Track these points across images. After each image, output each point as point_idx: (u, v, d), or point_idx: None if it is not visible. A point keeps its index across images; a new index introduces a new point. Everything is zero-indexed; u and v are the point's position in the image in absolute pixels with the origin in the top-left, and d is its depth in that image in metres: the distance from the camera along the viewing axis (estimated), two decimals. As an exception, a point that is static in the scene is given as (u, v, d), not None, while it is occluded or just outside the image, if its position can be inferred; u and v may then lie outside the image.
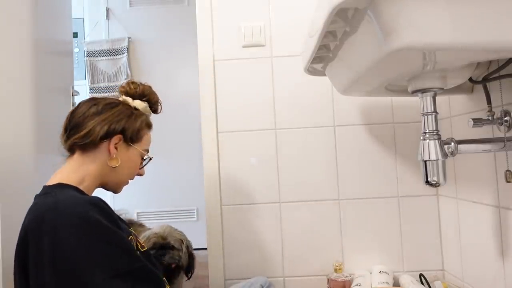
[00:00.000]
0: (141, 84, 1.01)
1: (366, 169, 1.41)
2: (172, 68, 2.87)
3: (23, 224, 0.80)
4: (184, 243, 1.31)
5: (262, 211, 1.42)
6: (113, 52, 2.88)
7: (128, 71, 2.85)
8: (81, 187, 0.86)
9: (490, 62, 0.97)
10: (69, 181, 0.85)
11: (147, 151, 0.99)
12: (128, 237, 0.84)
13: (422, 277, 1.29)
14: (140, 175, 1.01)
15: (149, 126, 1.00)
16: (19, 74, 1.37)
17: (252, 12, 1.46)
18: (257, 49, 1.45)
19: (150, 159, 1.00)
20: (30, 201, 0.84)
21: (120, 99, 0.98)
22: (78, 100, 1.86)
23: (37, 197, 0.84)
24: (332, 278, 1.31)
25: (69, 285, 0.73)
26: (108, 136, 0.89)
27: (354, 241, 1.40)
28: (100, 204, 0.80)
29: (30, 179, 1.33)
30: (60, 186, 0.84)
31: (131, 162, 0.95)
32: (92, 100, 0.93)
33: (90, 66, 2.88)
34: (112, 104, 0.93)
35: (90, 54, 2.89)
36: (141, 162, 0.99)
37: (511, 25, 0.59)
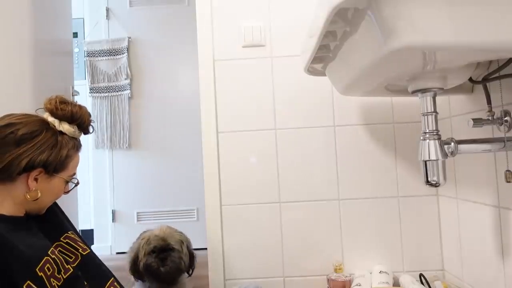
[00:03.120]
0: (71, 104, 0.89)
1: (366, 169, 1.41)
2: (172, 68, 2.87)
3: None
4: (185, 243, 1.31)
5: (262, 211, 1.42)
6: (113, 52, 2.88)
7: (128, 71, 2.84)
8: (2, 212, 0.80)
9: (490, 62, 0.97)
10: None
11: (74, 173, 0.91)
12: (41, 261, 0.78)
13: (422, 277, 1.29)
14: (66, 193, 0.93)
15: (77, 149, 0.90)
16: (19, 74, 1.37)
17: (252, 12, 1.46)
18: (257, 49, 1.45)
19: (76, 184, 0.93)
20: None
21: (46, 119, 0.87)
22: (78, 100, 1.86)
23: None
24: (332, 278, 1.31)
25: None
26: (26, 170, 0.80)
27: (354, 241, 1.40)
28: None
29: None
30: None
31: (53, 191, 0.88)
32: (9, 125, 0.81)
33: (90, 66, 2.88)
34: (33, 132, 0.82)
35: (90, 54, 2.89)
36: (67, 186, 0.91)
37: (511, 25, 0.59)
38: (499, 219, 1.03)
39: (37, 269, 0.77)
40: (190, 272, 1.33)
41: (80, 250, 0.92)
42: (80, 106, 0.90)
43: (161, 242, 1.26)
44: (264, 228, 1.42)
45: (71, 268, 0.86)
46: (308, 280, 1.40)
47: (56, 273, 0.81)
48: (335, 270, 1.33)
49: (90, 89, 2.85)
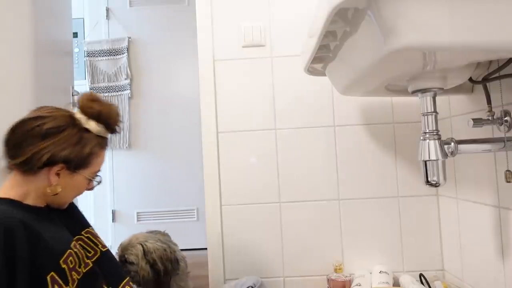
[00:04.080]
0: (101, 103, 0.89)
1: (366, 169, 1.41)
2: (172, 68, 2.87)
3: None
4: (149, 255, 1.26)
5: (262, 211, 1.42)
6: (113, 52, 2.88)
7: (128, 71, 2.84)
8: (26, 201, 0.81)
9: (490, 62, 0.97)
10: (10, 195, 0.80)
11: (98, 171, 0.90)
12: (64, 253, 0.79)
13: (422, 277, 1.29)
14: (89, 190, 0.92)
15: (102, 147, 0.90)
16: (19, 74, 1.37)
17: (252, 12, 1.46)
18: (257, 49, 1.45)
19: (99, 183, 0.92)
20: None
21: (74, 115, 0.87)
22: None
23: None
24: (332, 278, 1.31)
25: None
26: (48, 165, 0.81)
27: (354, 241, 1.40)
28: (11, 228, 0.72)
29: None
30: None
31: (75, 187, 0.88)
32: (38, 118, 0.82)
33: (90, 66, 2.88)
34: (58, 128, 0.82)
35: (90, 54, 2.89)
36: (90, 182, 0.91)
37: (511, 25, 0.59)
38: (499, 219, 1.03)
39: (61, 261, 0.78)
40: (169, 278, 1.31)
41: (99, 246, 0.93)
42: (110, 106, 0.90)
43: (120, 253, 1.28)
44: (264, 228, 1.42)
45: (90, 263, 0.87)
46: (308, 280, 1.40)
47: (77, 267, 0.82)
48: (335, 270, 1.33)
49: (90, 89, 2.85)
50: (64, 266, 0.78)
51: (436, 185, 0.84)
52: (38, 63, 1.49)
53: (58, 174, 0.83)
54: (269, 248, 1.41)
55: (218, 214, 1.42)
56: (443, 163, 0.84)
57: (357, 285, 1.26)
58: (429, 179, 0.84)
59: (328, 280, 1.32)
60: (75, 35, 2.90)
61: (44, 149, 0.80)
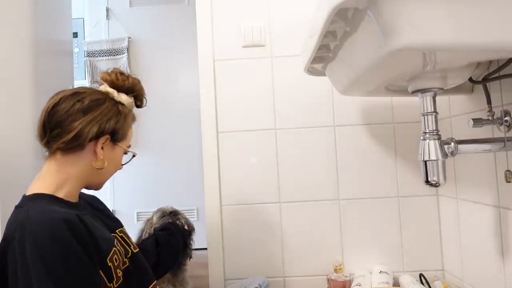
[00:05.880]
0: (130, 76, 0.90)
1: (366, 169, 1.41)
2: (172, 68, 2.87)
3: (3, 234, 0.75)
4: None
5: (262, 211, 1.42)
6: (113, 52, 2.88)
7: (128, 71, 2.84)
8: (60, 195, 0.79)
9: (490, 62, 0.97)
10: (46, 190, 0.78)
11: (130, 146, 0.93)
12: (110, 251, 0.80)
13: (422, 277, 1.29)
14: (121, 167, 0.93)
15: (134, 119, 0.92)
16: (19, 74, 1.37)
17: (252, 12, 1.46)
18: (257, 49, 1.45)
19: (134, 155, 0.94)
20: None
21: (103, 89, 0.87)
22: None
23: (15, 208, 0.78)
24: (332, 278, 1.31)
25: None
26: (96, 137, 0.82)
27: (354, 241, 1.40)
28: (73, 222, 0.72)
29: (30, 180, 1.32)
30: (34, 197, 0.77)
31: (116, 161, 0.89)
32: (75, 94, 0.82)
33: (90, 66, 2.88)
34: (98, 100, 0.83)
35: (90, 54, 2.89)
36: (124, 157, 0.92)
37: (511, 25, 0.59)
38: (499, 219, 1.03)
39: (107, 259, 0.78)
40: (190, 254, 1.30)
41: (131, 247, 0.92)
42: (136, 79, 0.91)
43: (169, 209, 1.28)
44: (264, 228, 1.42)
45: (127, 262, 0.87)
46: (308, 280, 1.40)
47: (120, 264, 0.83)
48: (335, 270, 1.33)
49: (90, 89, 2.85)
50: (110, 264, 0.78)
51: (436, 185, 0.84)
52: (38, 63, 1.49)
53: (102, 148, 0.83)
54: (269, 248, 1.41)
55: (218, 214, 1.42)
56: (443, 163, 0.84)
57: (357, 285, 1.26)
58: (429, 179, 0.84)
59: (328, 280, 1.32)
60: (75, 35, 2.90)
61: (92, 121, 0.80)
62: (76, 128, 0.79)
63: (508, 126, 0.94)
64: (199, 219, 2.77)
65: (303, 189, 1.42)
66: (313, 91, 1.42)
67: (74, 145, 0.80)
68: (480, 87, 1.04)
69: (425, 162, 0.84)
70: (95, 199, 0.98)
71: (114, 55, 2.88)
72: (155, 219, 1.26)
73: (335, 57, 0.96)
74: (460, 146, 0.87)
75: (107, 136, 0.83)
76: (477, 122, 0.95)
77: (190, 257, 1.27)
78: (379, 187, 1.41)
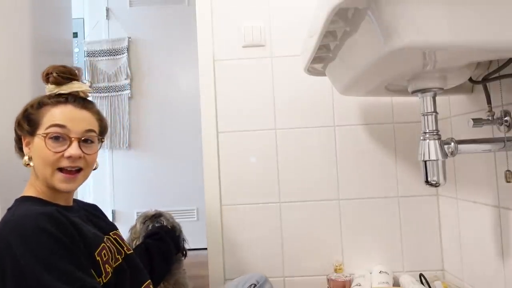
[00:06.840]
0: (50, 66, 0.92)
1: (366, 169, 1.41)
2: (172, 68, 2.87)
3: None
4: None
5: (262, 211, 1.42)
6: (113, 52, 2.89)
7: (128, 71, 2.85)
8: (45, 197, 0.83)
9: (490, 62, 0.97)
10: (32, 192, 0.83)
11: (56, 125, 0.81)
12: (99, 247, 0.81)
13: (422, 277, 1.29)
14: (69, 157, 0.81)
15: (54, 104, 0.84)
16: (19, 74, 1.37)
17: (252, 12, 1.46)
18: (257, 49, 1.45)
19: (56, 136, 0.81)
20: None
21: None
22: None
23: (7, 210, 0.81)
24: (332, 278, 1.31)
25: None
26: (20, 138, 0.88)
27: (354, 241, 1.40)
28: (53, 215, 0.74)
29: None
30: (22, 199, 0.82)
31: (36, 151, 0.82)
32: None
33: (90, 66, 2.88)
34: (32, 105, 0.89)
35: (90, 54, 2.89)
36: (47, 141, 0.81)
37: (511, 25, 0.59)
38: (499, 219, 1.03)
39: (95, 253, 0.80)
40: (184, 252, 1.30)
41: (125, 249, 0.94)
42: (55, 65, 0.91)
43: (152, 212, 1.27)
44: (264, 228, 1.42)
45: (120, 259, 0.89)
46: (308, 280, 1.40)
47: (110, 260, 0.84)
48: (335, 270, 1.33)
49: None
50: (98, 258, 0.80)
51: (436, 185, 0.84)
52: (38, 63, 1.49)
53: (28, 146, 0.85)
54: (269, 248, 1.41)
55: (218, 214, 1.42)
56: (443, 163, 0.84)
57: (357, 285, 1.26)
58: (429, 179, 0.84)
59: (328, 280, 1.32)
60: (75, 35, 2.90)
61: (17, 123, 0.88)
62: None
63: (508, 126, 0.94)
64: (199, 219, 2.77)
65: (303, 189, 1.42)
66: (313, 91, 1.42)
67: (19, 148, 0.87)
68: (480, 87, 1.04)
69: (425, 162, 0.84)
70: (94, 207, 1.01)
71: (114, 55, 2.88)
72: (138, 226, 1.25)
73: (335, 57, 0.96)
74: (460, 146, 0.87)
75: (23, 134, 0.86)
76: (477, 122, 0.95)
77: (185, 256, 1.27)
78: (379, 187, 1.41)
